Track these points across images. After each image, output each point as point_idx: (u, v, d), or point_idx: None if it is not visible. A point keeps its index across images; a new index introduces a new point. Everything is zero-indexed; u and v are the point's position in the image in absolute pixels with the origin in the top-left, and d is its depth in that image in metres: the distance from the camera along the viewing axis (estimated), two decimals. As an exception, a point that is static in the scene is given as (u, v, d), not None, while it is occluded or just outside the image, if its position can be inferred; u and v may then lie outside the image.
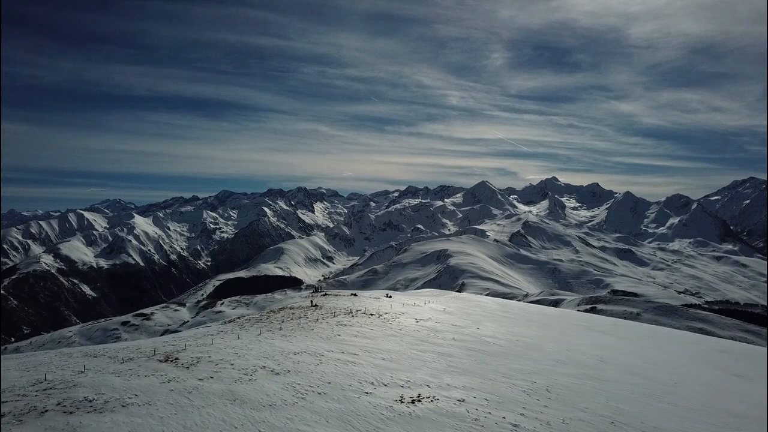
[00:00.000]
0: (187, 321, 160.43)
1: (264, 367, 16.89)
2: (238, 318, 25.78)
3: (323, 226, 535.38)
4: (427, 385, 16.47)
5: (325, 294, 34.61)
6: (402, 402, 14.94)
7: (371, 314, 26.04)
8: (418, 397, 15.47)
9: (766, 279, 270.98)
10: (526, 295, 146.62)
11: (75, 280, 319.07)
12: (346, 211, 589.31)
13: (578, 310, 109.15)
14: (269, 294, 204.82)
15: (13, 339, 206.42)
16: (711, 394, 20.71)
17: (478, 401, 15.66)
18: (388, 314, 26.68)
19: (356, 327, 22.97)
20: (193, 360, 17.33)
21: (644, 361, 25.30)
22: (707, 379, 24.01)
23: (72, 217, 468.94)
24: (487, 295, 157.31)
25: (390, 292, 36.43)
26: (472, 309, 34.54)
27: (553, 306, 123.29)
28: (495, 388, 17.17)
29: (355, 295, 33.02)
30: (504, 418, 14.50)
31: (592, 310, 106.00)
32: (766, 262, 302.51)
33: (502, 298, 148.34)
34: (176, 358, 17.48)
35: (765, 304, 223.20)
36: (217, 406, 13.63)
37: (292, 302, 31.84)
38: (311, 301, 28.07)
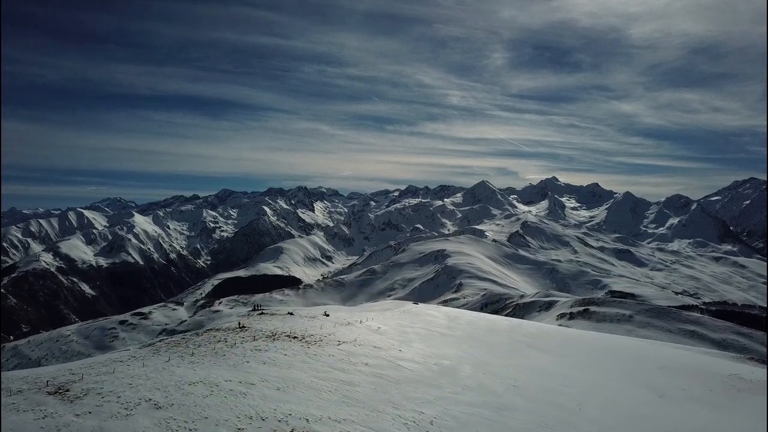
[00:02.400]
0: (185, 320, 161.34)
1: (150, 400, 17.25)
2: (159, 341, 26.16)
3: (323, 225, 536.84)
4: (307, 419, 16.79)
5: (262, 313, 34.95)
6: (270, 439, 15.26)
7: (294, 337, 26.31)
8: (290, 433, 15.79)
9: (765, 280, 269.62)
10: (522, 296, 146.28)
11: (74, 279, 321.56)
12: (346, 210, 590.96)
13: (570, 312, 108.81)
14: (267, 293, 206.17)
15: (11, 337, 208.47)
16: (611, 421, 20.93)
17: (350, 437, 15.98)
18: (312, 336, 26.97)
19: (271, 352, 23.29)
20: (83, 392, 17.72)
21: (563, 383, 25.51)
22: (622, 403, 24.22)
23: (72, 216, 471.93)
24: (484, 295, 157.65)
25: (329, 310, 36.74)
26: (414, 326, 34.77)
27: (547, 308, 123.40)
28: (377, 421, 17.48)
29: (291, 314, 33.34)
30: (367, 455, 14.83)
31: (585, 312, 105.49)
32: (765, 263, 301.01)
33: (499, 298, 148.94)
34: (67, 390, 17.89)
35: (763, 305, 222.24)
36: (79, 445, 13.99)
37: (227, 321, 32.27)
38: (239, 323, 28.45)
